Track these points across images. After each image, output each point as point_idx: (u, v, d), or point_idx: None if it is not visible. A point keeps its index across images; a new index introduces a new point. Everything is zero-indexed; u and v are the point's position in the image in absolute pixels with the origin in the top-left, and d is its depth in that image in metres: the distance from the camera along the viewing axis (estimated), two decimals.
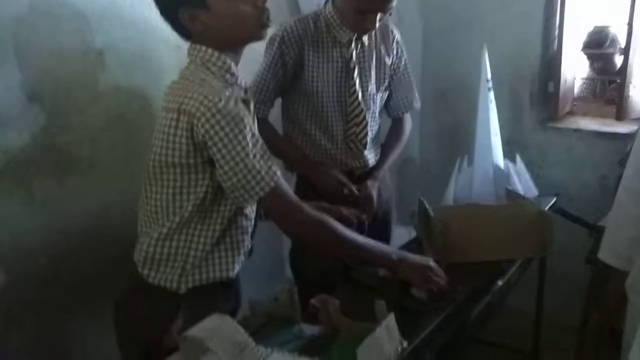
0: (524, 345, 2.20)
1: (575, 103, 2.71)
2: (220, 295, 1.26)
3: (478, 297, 1.47)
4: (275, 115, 1.78)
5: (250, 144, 1.11)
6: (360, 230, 1.70)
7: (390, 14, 2.44)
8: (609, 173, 2.33)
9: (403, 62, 1.82)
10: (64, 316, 1.50)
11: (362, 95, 1.71)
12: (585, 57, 2.83)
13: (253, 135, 1.13)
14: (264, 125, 1.71)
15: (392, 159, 1.86)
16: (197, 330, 0.87)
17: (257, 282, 1.94)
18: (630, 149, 2.10)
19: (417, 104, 1.88)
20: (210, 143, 1.09)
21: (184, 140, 1.10)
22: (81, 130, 1.49)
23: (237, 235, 1.24)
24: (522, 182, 2.03)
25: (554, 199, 2.11)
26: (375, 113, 1.78)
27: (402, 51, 1.82)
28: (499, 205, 1.78)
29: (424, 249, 1.69)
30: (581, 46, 2.73)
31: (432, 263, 1.35)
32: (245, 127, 1.10)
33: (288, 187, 1.20)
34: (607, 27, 2.74)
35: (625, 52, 2.31)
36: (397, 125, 1.90)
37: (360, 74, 1.70)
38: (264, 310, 1.29)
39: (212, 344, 0.83)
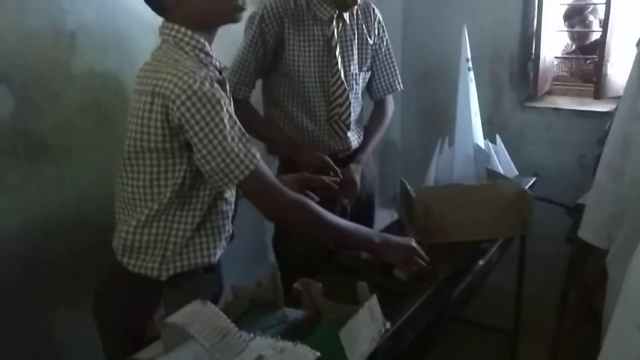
0: (505, 324, 2.23)
1: (554, 82, 2.73)
2: (202, 281, 1.24)
3: (459, 277, 1.48)
4: (256, 96, 1.76)
5: (227, 127, 1.08)
6: (344, 214, 1.71)
7: None
8: (588, 152, 2.36)
9: (385, 43, 1.80)
10: (42, 305, 1.48)
11: (345, 75, 1.69)
12: (562, 35, 2.85)
13: (230, 117, 1.10)
14: (245, 107, 1.70)
15: (376, 142, 1.85)
16: (178, 317, 0.86)
17: (240, 268, 1.94)
18: (609, 127, 2.13)
19: (400, 86, 1.87)
20: (186, 126, 1.06)
21: (159, 124, 1.07)
22: (55, 115, 1.45)
23: (217, 220, 1.22)
24: (502, 162, 2.05)
25: (534, 179, 2.13)
26: (358, 93, 1.77)
27: (384, 31, 1.80)
28: (479, 185, 1.78)
29: (406, 231, 1.69)
30: (561, 19, 2.75)
31: (413, 244, 1.34)
32: (222, 109, 1.07)
33: (268, 170, 1.18)
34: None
35: (603, 30, 2.32)
36: (379, 107, 1.88)
37: (342, 52, 1.68)
38: (247, 295, 1.28)
39: (193, 330, 0.82)
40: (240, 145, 1.10)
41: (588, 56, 2.86)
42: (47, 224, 1.46)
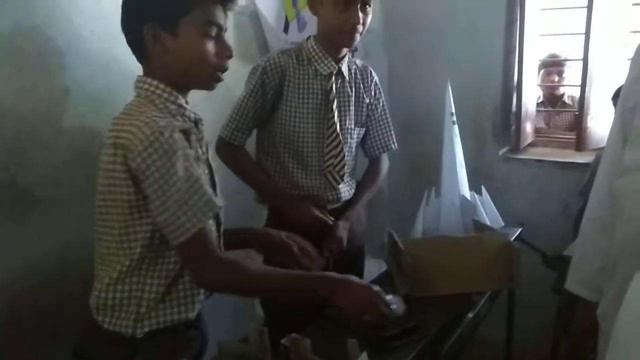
0: None
1: (537, 135, 2.80)
2: (180, 338, 1.19)
3: (450, 331, 1.47)
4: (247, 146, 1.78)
5: (181, 179, 1.04)
6: (327, 267, 1.69)
7: (356, 50, 2.51)
8: (571, 202, 2.40)
9: (381, 104, 1.86)
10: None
11: (340, 128, 1.72)
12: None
13: (187, 169, 1.05)
14: (240, 153, 1.73)
15: (367, 198, 1.87)
16: None
17: (227, 322, 1.90)
18: (588, 179, 2.18)
19: (394, 145, 1.92)
20: (141, 177, 1.04)
21: (122, 175, 1.05)
22: (44, 168, 1.45)
23: None
24: (488, 213, 2.07)
25: (520, 229, 2.15)
26: (352, 147, 1.80)
27: (380, 93, 1.86)
28: (467, 236, 1.79)
29: (395, 282, 1.69)
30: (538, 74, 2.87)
31: (375, 289, 1.25)
32: (177, 160, 1.04)
33: (211, 235, 1.12)
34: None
35: (582, 85, 2.41)
36: (374, 165, 1.92)
37: (339, 106, 1.72)
38: (233, 351, 1.25)
39: None
40: (190, 203, 1.05)
41: (569, 109, 2.96)
42: (30, 276, 1.43)
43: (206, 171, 1.19)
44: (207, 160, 1.22)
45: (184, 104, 1.17)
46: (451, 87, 2.18)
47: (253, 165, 1.77)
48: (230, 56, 1.17)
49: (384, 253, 1.92)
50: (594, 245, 1.29)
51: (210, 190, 1.10)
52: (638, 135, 1.16)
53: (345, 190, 1.80)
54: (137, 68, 1.18)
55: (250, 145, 1.80)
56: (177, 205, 1.04)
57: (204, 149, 1.22)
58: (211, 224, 1.18)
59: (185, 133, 1.10)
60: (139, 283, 1.13)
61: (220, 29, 1.15)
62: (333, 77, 1.70)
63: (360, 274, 1.94)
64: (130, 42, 1.15)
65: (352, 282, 1.23)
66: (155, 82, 1.13)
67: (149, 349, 1.14)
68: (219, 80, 1.18)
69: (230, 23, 1.95)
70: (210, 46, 1.13)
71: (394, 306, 1.30)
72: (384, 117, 1.88)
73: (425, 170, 2.66)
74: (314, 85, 1.69)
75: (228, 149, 1.71)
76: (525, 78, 2.58)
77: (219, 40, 1.15)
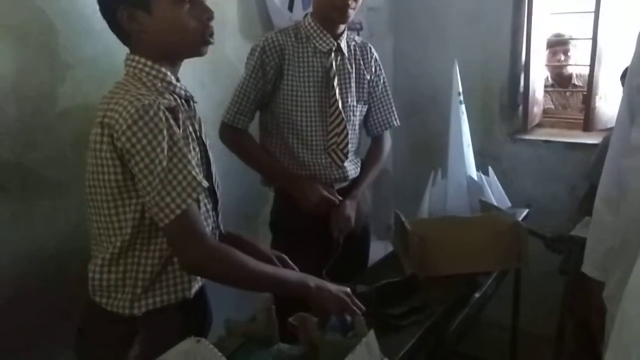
0: (502, 357, 2.21)
1: (545, 115, 2.77)
2: (179, 317, 1.19)
3: (456, 311, 1.47)
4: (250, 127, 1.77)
5: (166, 158, 1.02)
6: (336, 248, 1.70)
7: (362, 29, 2.48)
8: (579, 184, 2.38)
9: (382, 81, 1.84)
10: (31, 344, 1.44)
11: (342, 106, 1.71)
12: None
13: (171, 148, 1.04)
14: (244, 136, 1.72)
15: (372, 177, 1.85)
16: (172, 355, 0.84)
17: (235, 301, 1.90)
18: (595, 161, 2.16)
19: (396, 122, 1.89)
20: (127, 156, 1.03)
21: (109, 154, 1.04)
22: (49, 148, 1.44)
23: None
24: (495, 194, 2.06)
25: (526, 210, 2.14)
26: (355, 125, 1.78)
27: (380, 70, 1.84)
28: (474, 216, 1.79)
29: (401, 263, 1.68)
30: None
31: (348, 290, 1.26)
32: (162, 138, 1.02)
33: (197, 216, 1.09)
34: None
35: (591, 64, 2.38)
36: (376, 143, 1.90)
37: (340, 84, 1.71)
38: (241, 330, 1.25)
39: None
40: (174, 183, 1.03)
41: (577, 90, 2.92)
42: (38, 257, 1.43)
43: (197, 149, 1.17)
44: (200, 137, 1.21)
45: (174, 81, 1.15)
46: (459, 67, 2.15)
47: (257, 147, 1.76)
48: (210, 18, 1.14)
49: (390, 235, 1.91)
50: (605, 224, 1.28)
51: (196, 170, 1.07)
52: None
53: (352, 168, 1.78)
54: None
55: (254, 129, 1.79)
56: (161, 185, 1.03)
57: (197, 126, 1.20)
58: (201, 205, 1.16)
59: (172, 111, 1.08)
60: (133, 264, 1.12)
61: None
62: (332, 54, 1.68)
63: (365, 254, 1.94)
64: (111, 27, 1.14)
65: (325, 290, 1.22)
66: (142, 60, 1.11)
67: (148, 328, 1.13)
68: (208, 43, 1.15)
69: (234, 1, 1.96)
70: (187, 12, 1.11)
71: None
72: (385, 94, 1.86)
73: (431, 151, 2.64)
74: (314, 62, 1.68)
75: (231, 133, 1.70)
76: (533, 57, 2.54)
77: (196, 5, 1.12)
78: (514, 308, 2.12)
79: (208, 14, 1.14)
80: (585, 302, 1.36)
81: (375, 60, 1.82)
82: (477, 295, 1.56)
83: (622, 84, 2.05)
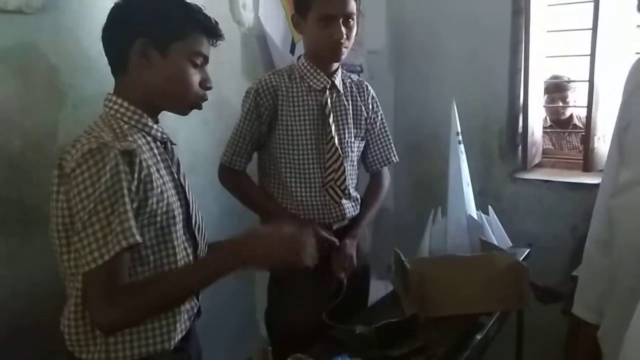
0: None
1: (544, 155, 2.79)
2: None
3: (457, 352, 1.44)
4: (249, 169, 1.78)
5: (99, 200, 0.97)
6: (340, 289, 1.68)
7: (362, 71, 2.53)
8: (579, 223, 2.37)
9: (379, 117, 1.86)
10: None
11: (340, 142, 1.72)
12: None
13: (112, 190, 0.98)
14: (241, 178, 1.73)
15: (372, 214, 1.85)
16: None
17: (230, 343, 1.87)
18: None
19: (395, 158, 1.91)
20: (70, 196, 1.00)
21: (58, 196, 1.02)
22: (49, 185, 1.44)
23: None
24: (496, 233, 2.05)
25: (527, 250, 2.13)
26: (353, 161, 1.79)
27: (377, 106, 1.86)
28: (474, 256, 1.77)
29: (401, 303, 1.66)
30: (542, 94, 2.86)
31: (287, 231, 1.14)
32: (103, 177, 0.97)
33: (118, 270, 1.00)
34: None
35: (589, 106, 2.41)
36: (375, 180, 1.91)
37: (336, 120, 1.72)
38: None
39: None
40: (107, 228, 0.97)
41: (575, 130, 2.95)
42: (31, 292, 1.42)
43: (171, 191, 1.13)
44: (179, 179, 1.18)
45: (150, 123, 1.14)
46: (458, 109, 2.18)
47: (254, 188, 1.77)
48: (210, 87, 1.18)
49: (391, 275, 1.90)
50: (596, 267, 1.29)
51: (132, 222, 0.99)
52: (630, 153, 1.16)
53: (349, 206, 1.78)
54: None
55: (253, 169, 1.80)
56: (91, 227, 0.97)
57: (174, 168, 1.19)
58: (179, 249, 1.11)
59: (129, 155, 1.03)
60: None
61: (206, 61, 1.17)
62: (327, 92, 1.70)
63: (365, 294, 1.92)
64: (111, 52, 1.14)
65: (254, 237, 1.14)
66: (119, 101, 1.11)
67: None
68: (199, 107, 1.19)
69: (237, 42, 2.02)
70: (196, 74, 1.15)
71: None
72: (383, 130, 1.87)
73: (432, 190, 2.65)
74: (309, 100, 1.69)
75: (229, 174, 1.72)
76: (531, 99, 2.58)
77: (202, 71, 1.17)
78: (517, 349, 2.08)
79: (209, 84, 1.18)
80: (579, 345, 1.34)
81: (372, 97, 1.84)
82: (478, 336, 1.54)
83: None
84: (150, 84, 1.12)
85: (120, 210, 0.98)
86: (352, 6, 1.61)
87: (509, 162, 2.69)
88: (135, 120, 1.12)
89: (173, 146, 1.22)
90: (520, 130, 2.67)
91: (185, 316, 1.17)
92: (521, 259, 1.97)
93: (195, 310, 1.22)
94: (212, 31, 1.15)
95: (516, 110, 2.68)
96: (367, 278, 1.93)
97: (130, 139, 1.08)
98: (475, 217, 2.05)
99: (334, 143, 1.70)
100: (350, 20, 1.62)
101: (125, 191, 1.00)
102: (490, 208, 2.15)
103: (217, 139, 1.87)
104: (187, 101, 1.16)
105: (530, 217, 2.61)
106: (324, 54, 1.66)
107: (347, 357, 1.17)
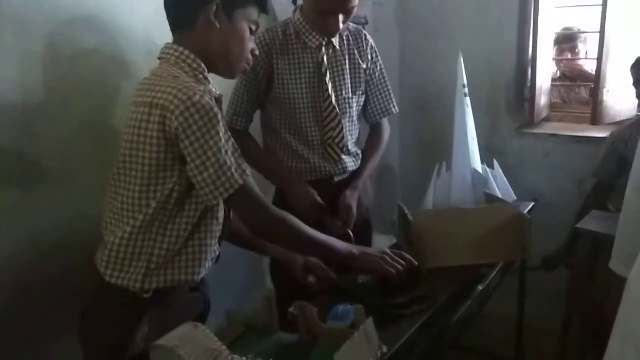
0: (507, 352, 2.19)
1: (552, 109, 2.74)
2: (185, 299, 1.23)
3: (458, 302, 1.46)
4: (256, 126, 1.78)
5: (222, 140, 1.09)
6: (348, 240, 1.68)
7: (367, 23, 2.47)
8: (587, 178, 2.35)
9: (379, 68, 1.82)
10: (32, 330, 1.44)
11: (337, 99, 1.70)
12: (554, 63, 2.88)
13: (226, 131, 1.12)
14: (243, 137, 1.71)
15: (372, 166, 1.84)
16: (169, 339, 0.84)
17: (236, 294, 1.91)
18: (603, 155, 2.12)
19: (395, 109, 1.87)
20: (183, 136, 1.07)
21: (155, 134, 1.09)
22: (52, 140, 1.45)
23: (205, 239, 1.22)
24: (501, 187, 2.04)
25: (532, 204, 2.12)
26: (352, 117, 1.77)
27: (377, 57, 1.82)
28: (478, 208, 1.77)
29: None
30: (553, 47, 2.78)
31: (387, 250, 1.38)
32: (218, 122, 1.08)
33: (255, 185, 1.18)
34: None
35: (599, 58, 2.35)
36: (375, 131, 1.89)
37: (333, 77, 1.70)
38: (242, 320, 1.26)
39: (184, 352, 0.80)
40: (233, 160, 1.11)
41: (585, 83, 2.88)
42: (38, 246, 1.44)
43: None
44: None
45: (208, 78, 1.21)
46: (465, 61, 2.14)
47: (257, 148, 1.76)
48: (256, 55, 1.28)
49: (394, 230, 1.90)
50: (638, 218, 1.17)
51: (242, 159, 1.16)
52: None
53: (350, 161, 1.77)
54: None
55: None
56: (217, 165, 1.09)
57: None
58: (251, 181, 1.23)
59: (218, 102, 1.16)
60: (150, 240, 1.16)
61: (256, 31, 1.27)
62: (323, 49, 1.67)
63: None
64: (181, 9, 1.19)
65: (368, 254, 1.35)
66: (187, 52, 1.17)
67: (157, 308, 1.17)
68: (241, 71, 1.27)
69: None
70: (251, 40, 1.25)
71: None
72: (382, 81, 1.83)
73: (437, 146, 2.63)
74: (305, 58, 1.67)
75: (231, 135, 1.71)
76: (540, 51, 2.51)
77: (252, 39, 1.26)
78: (520, 301, 2.10)
79: (256, 51, 1.28)
80: (592, 297, 1.31)
81: (372, 47, 1.80)
82: (480, 287, 1.55)
83: (633, 74, 2.03)
84: (215, 42, 1.18)
85: (235, 145, 1.14)
86: (352, 4, 1.56)
87: (515, 117, 2.65)
88: (200, 72, 1.18)
89: (221, 103, 1.26)
90: (528, 83, 2.62)
91: (210, 256, 1.26)
92: (525, 212, 1.96)
93: (217, 253, 1.30)
94: (264, 4, 1.26)
95: (524, 63, 2.62)
96: (369, 232, 1.94)
97: (208, 89, 1.17)
98: (480, 172, 2.04)
99: (332, 102, 1.68)
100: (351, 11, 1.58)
101: (227, 130, 1.13)
102: (495, 162, 2.14)
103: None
104: (241, 63, 1.24)
105: (536, 172, 2.59)
106: (322, 29, 1.63)
107: (349, 304, 1.19)
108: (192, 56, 1.17)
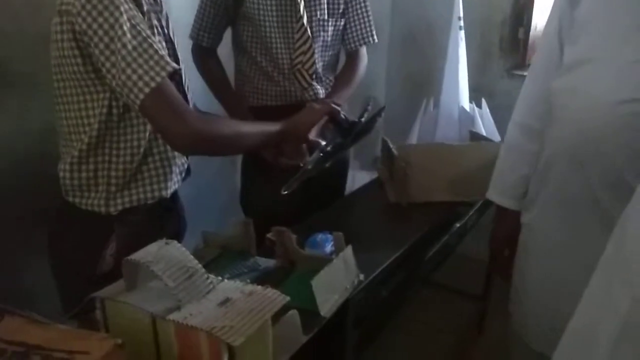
0: (476, 290, 2.25)
1: None
2: (155, 217, 1.18)
3: (434, 238, 1.46)
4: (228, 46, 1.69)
5: (128, 35, 0.95)
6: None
7: None
8: None
9: None
10: (2, 244, 1.41)
11: (310, 21, 1.56)
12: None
13: (133, 26, 0.96)
14: (211, 62, 1.63)
15: (343, 96, 1.66)
16: (141, 255, 0.80)
17: (214, 219, 1.89)
18: None
19: (373, 39, 1.72)
20: (86, 39, 0.96)
21: (67, 44, 0.99)
22: (19, 41, 1.35)
23: (165, 152, 1.15)
24: (486, 127, 2.02)
25: None
26: (326, 42, 1.64)
27: None
28: (462, 144, 1.75)
29: (385, 190, 1.66)
30: None
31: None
32: (121, 15, 0.95)
33: (175, 91, 1.01)
34: None
35: None
36: (350, 60, 1.74)
37: None
38: (218, 241, 1.23)
39: (157, 268, 0.77)
40: (141, 60, 0.96)
41: None
42: (8, 155, 1.38)
43: (163, 44, 1.09)
44: (168, 34, 1.15)
45: None
46: None
47: (220, 73, 1.65)
48: None
49: (377, 165, 1.87)
50: (520, 152, 1.24)
51: (163, 52, 1.00)
52: (582, 26, 1.05)
53: (322, 88, 1.66)
54: None
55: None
56: (125, 62, 0.95)
57: (164, 22, 1.15)
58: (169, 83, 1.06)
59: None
60: (104, 162, 1.09)
61: None
62: None
63: (343, 187, 1.87)
64: None
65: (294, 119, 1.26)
66: None
67: (125, 225, 1.13)
68: None
69: None
70: None
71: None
72: (362, 6, 1.68)
73: (425, 80, 2.57)
74: None
75: (197, 51, 1.63)
76: None
77: None
78: None
79: None
80: (497, 234, 1.35)
81: None
82: (457, 224, 1.56)
83: None
84: None
85: (149, 40, 0.97)
86: None
87: (507, 57, 2.59)
88: None
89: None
90: (524, 22, 2.54)
91: (177, 170, 1.20)
92: None
93: (186, 166, 1.24)
94: None
95: (522, 1, 2.53)
96: (344, 172, 1.86)
97: None
98: (467, 109, 2.01)
99: (303, 23, 1.54)
100: None
101: (144, 25, 0.99)
102: (483, 101, 2.10)
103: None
104: None
105: None
106: None
107: (329, 233, 1.17)
108: None
